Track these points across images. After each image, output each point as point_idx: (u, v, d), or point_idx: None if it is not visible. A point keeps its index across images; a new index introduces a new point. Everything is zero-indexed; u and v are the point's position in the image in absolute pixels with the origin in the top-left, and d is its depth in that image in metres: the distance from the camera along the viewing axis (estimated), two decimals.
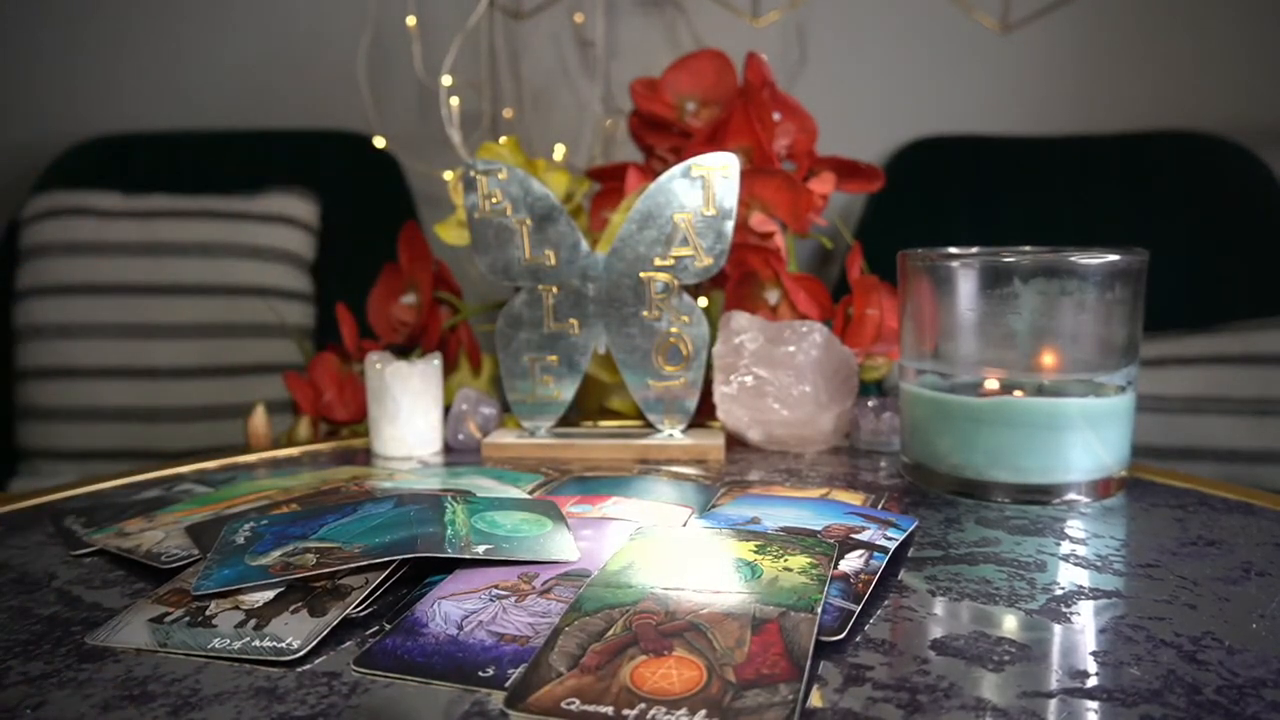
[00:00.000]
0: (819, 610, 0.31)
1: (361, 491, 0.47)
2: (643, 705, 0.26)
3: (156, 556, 0.38)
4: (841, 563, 0.36)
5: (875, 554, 0.37)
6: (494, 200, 0.56)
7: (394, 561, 0.35)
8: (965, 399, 0.48)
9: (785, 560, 0.36)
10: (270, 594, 0.34)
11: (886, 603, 0.34)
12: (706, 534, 0.39)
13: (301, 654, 0.30)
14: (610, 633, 0.30)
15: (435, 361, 0.60)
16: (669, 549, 0.38)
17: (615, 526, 0.41)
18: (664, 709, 0.26)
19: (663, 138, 0.72)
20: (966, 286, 0.47)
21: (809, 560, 0.36)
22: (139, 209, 1.17)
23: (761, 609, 0.32)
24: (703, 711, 0.26)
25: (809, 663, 0.28)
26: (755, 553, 0.37)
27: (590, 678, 0.28)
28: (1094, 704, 0.27)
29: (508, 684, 0.28)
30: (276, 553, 0.36)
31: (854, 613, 0.32)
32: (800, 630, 0.30)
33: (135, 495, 0.50)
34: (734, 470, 0.54)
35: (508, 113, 1.34)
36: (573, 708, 0.26)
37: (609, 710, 0.26)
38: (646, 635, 0.30)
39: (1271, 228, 1.17)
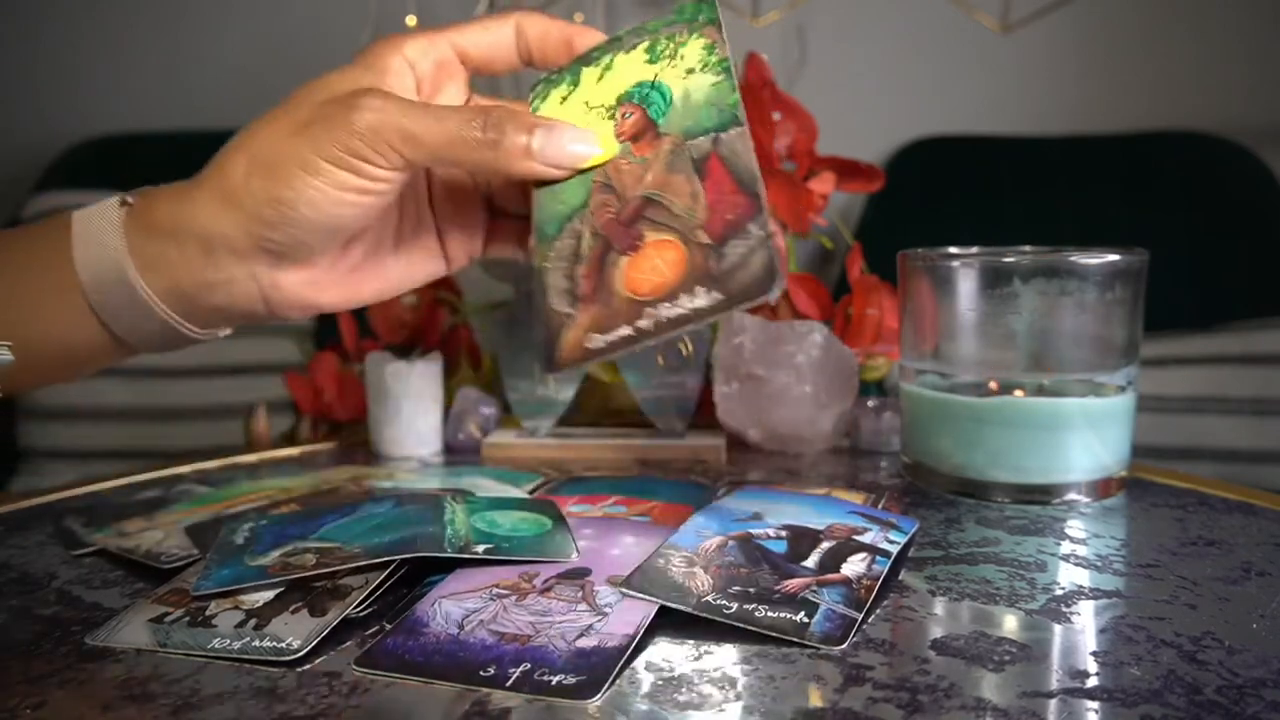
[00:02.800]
0: (743, 118, 0.30)
1: (361, 491, 0.47)
2: (649, 311, 0.27)
3: (156, 556, 0.38)
4: (844, 567, 0.36)
5: (878, 558, 0.37)
6: None
7: (394, 561, 0.35)
8: (966, 399, 0.48)
9: (681, 59, 0.33)
10: (270, 594, 0.34)
11: (887, 603, 0.34)
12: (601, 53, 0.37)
13: (301, 654, 0.30)
14: (584, 248, 0.30)
15: (435, 361, 0.60)
16: (585, 98, 0.35)
17: (616, 525, 0.41)
18: (668, 304, 0.27)
19: None
20: (966, 286, 0.47)
21: (703, 44, 0.33)
22: None
23: (694, 145, 0.31)
24: (699, 289, 0.27)
25: (762, 187, 0.29)
26: (649, 63, 0.34)
27: (595, 307, 0.28)
28: (1094, 704, 0.27)
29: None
30: (276, 553, 0.36)
31: (856, 620, 0.32)
32: (737, 152, 0.30)
33: (135, 495, 0.50)
34: (734, 470, 0.54)
35: None
36: (597, 345, 0.28)
37: (628, 331, 0.27)
38: (615, 232, 0.30)
39: (1271, 228, 1.17)
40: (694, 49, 0.33)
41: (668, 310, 0.26)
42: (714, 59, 0.32)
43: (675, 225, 0.29)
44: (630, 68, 0.34)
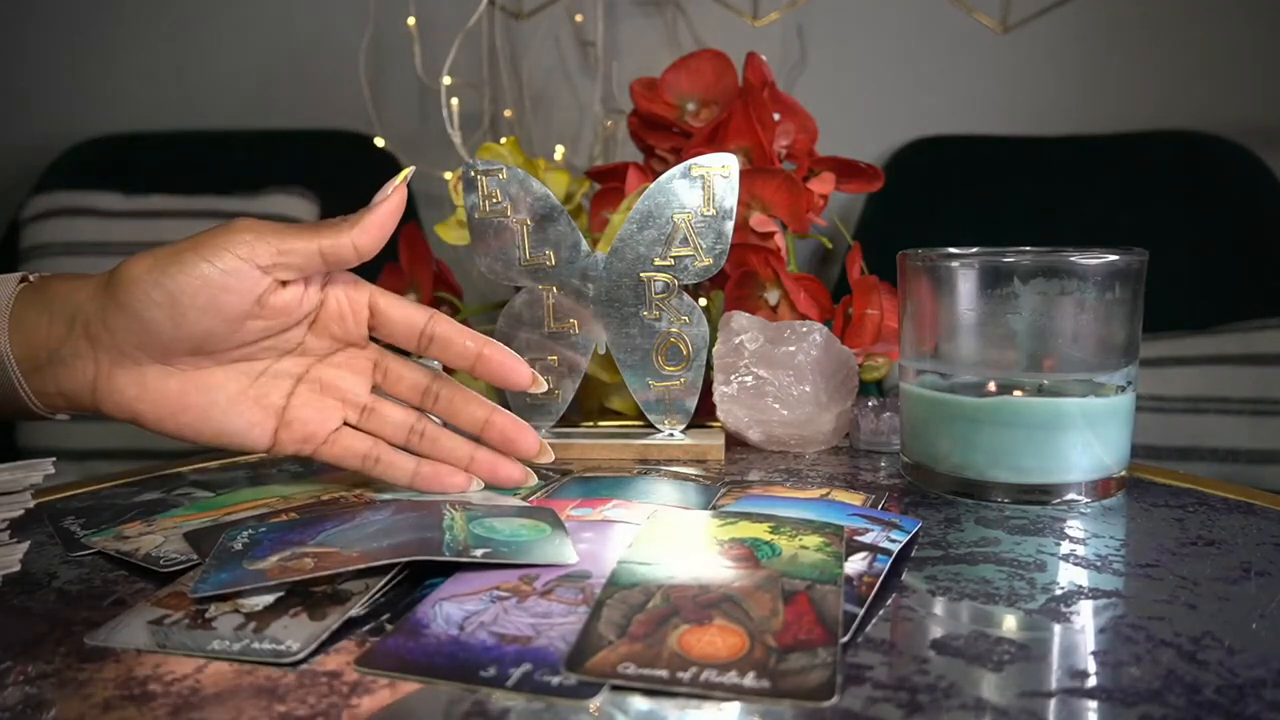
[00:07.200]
0: (841, 584, 0.33)
1: (361, 502, 0.47)
2: (694, 669, 0.28)
3: (155, 560, 0.38)
4: (845, 565, 0.36)
5: (879, 556, 0.37)
6: (494, 200, 0.56)
7: (392, 566, 0.35)
8: (965, 399, 0.48)
9: (800, 540, 0.37)
10: (270, 598, 0.34)
11: (887, 603, 0.34)
12: (721, 517, 0.41)
13: (300, 656, 0.30)
14: (651, 604, 0.32)
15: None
16: (689, 530, 0.39)
17: (616, 529, 0.41)
18: (715, 671, 0.28)
19: (663, 138, 0.72)
20: (966, 286, 0.47)
21: (822, 539, 0.37)
22: (140, 209, 1.17)
23: (789, 582, 0.33)
24: (752, 673, 0.27)
25: (840, 629, 0.30)
26: (771, 533, 0.38)
27: (640, 645, 0.29)
28: (1094, 704, 0.27)
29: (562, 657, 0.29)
30: (274, 557, 0.36)
31: (857, 615, 0.32)
32: (828, 601, 0.32)
33: (135, 497, 0.50)
34: (734, 470, 0.54)
35: (508, 113, 1.34)
36: (629, 671, 0.28)
37: (664, 673, 0.28)
38: (686, 606, 0.32)
39: (1271, 228, 1.17)
40: (814, 540, 0.38)
41: (712, 676, 0.27)
42: (830, 550, 0.36)
43: (747, 625, 0.30)
44: (751, 529, 0.39)
